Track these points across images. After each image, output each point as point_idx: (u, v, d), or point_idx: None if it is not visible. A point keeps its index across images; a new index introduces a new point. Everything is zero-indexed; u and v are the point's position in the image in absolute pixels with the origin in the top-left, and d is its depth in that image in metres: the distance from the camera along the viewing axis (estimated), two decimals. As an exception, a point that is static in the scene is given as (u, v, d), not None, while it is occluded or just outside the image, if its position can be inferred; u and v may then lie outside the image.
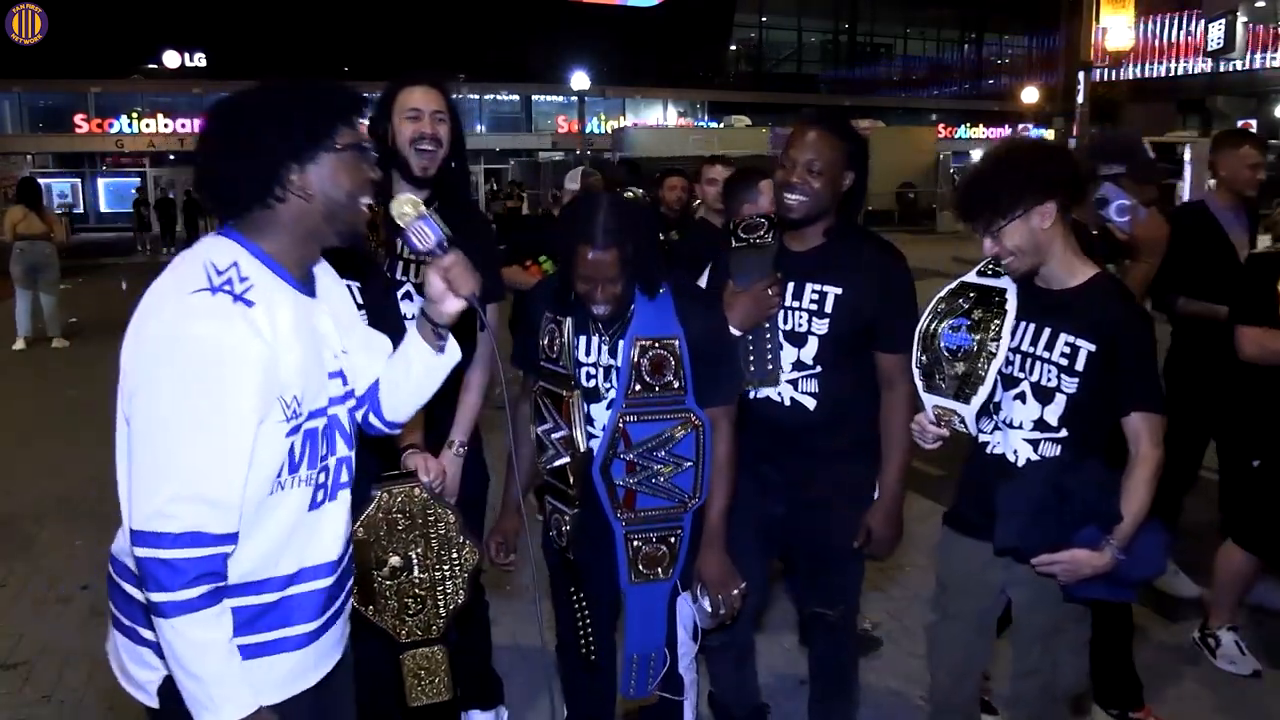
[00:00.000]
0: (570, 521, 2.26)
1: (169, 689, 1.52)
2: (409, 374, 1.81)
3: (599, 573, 2.31)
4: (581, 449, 2.20)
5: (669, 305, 2.26)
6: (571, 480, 2.22)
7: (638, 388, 2.21)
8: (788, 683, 3.24)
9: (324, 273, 1.75)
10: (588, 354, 2.28)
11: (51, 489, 5.41)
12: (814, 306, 2.44)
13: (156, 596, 1.42)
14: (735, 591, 2.34)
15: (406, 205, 1.74)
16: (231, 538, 1.47)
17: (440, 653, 2.04)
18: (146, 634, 1.55)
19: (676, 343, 2.23)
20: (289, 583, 1.61)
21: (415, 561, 1.97)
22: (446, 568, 2.01)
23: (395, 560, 1.95)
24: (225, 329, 1.45)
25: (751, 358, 2.47)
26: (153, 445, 1.43)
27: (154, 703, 1.58)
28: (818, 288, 2.44)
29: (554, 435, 2.25)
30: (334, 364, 1.69)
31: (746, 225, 2.59)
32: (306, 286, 1.65)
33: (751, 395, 2.52)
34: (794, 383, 2.48)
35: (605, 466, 2.22)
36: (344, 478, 1.71)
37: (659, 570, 2.29)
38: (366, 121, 1.63)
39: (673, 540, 2.29)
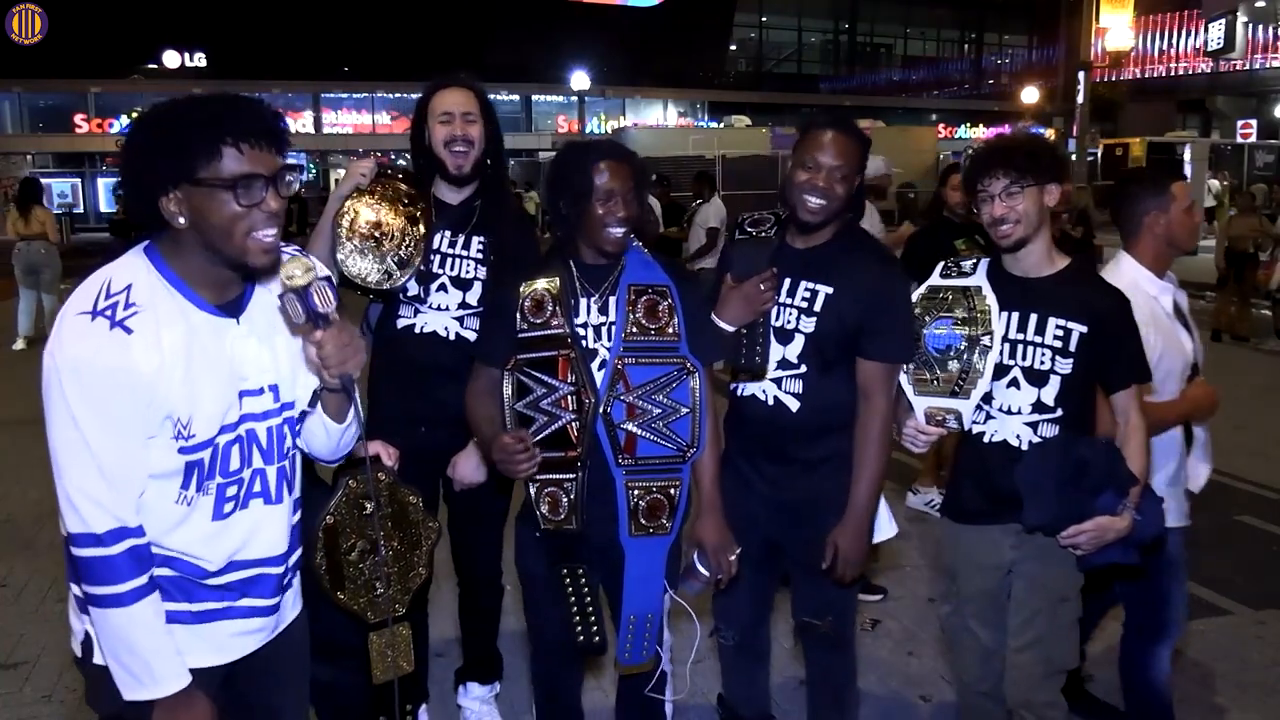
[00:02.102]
0: (574, 488, 2.25)
1: (87, 643, 1.70)
2: (316, 421, 1.87)
3: (600, 533, 2.28)
4: (590, 397, 2.22)
5: (657, 263, 2.39)
6: (575, 438, 2.23)
7: (634, 330, 2.26)
8: (788, 683, 3.24)
9: (263, 303, 1.76)
10: (577, 314, 2.30)
11: (51, 489, 5.39)
12: (804, 304, 2.43)
13: (90, 589, 1.60)
14: (732, 556, 2.37)
15: (295, 269, 1.60)
16: (134, 531, 1.61)
17: (405, 629, 2.11)
18: (74, 589, 1.69)
19: (669, 291, 2.32)
20: (223, 572, 1.74)
21: (381, 544, 2.05)
22: (410, 547, 2.11)
23: (362, 544, 2.04)
24: (96, 352, 1.55)
25: (743, 349, 2.45)
26: (55, 457, 1.61)
27: (78, 652, 1.73)
28: (811, 285, 2.43)
29: (546, 402, 2.25)
30: (256, 381, 1.73)
31: (753, 220, 2.60)
32: (223, 308, 1.68)
33: (739, 393, 2.53)
34: (778, 381, 2.46)
35: (605, 409, 2.23)
36: (257, 488, 1.77)
37: (660, 522, 2.29)
38: (245, 146, 1.56)
39: (673, 492, 2.30)
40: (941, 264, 2.47)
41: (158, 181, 1.57)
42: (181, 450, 1.64)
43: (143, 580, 1.61)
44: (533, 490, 2.29)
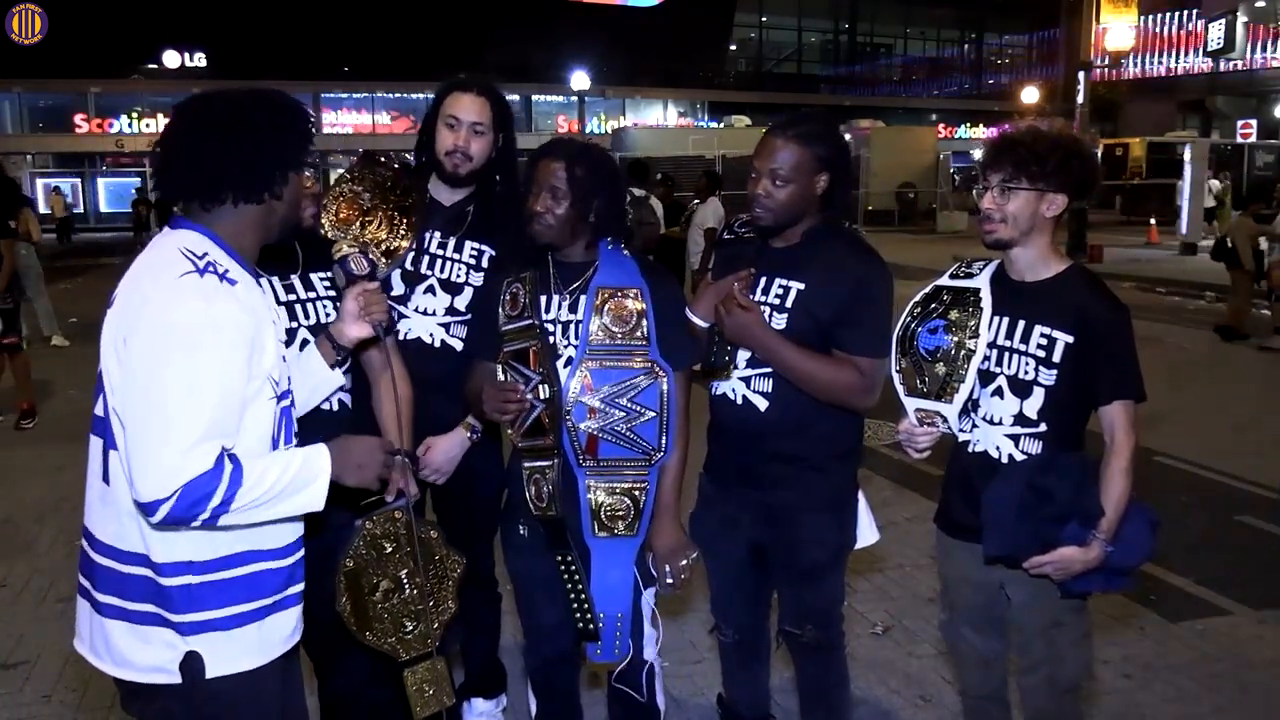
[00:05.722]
0: (552, 474, 2.27)
1: (190, 663, 1.64)
2: (303, 384, 1.99)
3: (570, 530, 2.32)
4: (555, 387, 2.23)
5: (633, 265, 2.38)
6: (547, 425, 2.24)
7: (600, 335, 2.28)
8: (786, 684, 3.23)
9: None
10: (547, 310, 2.33)
11: (51, 489, 5.41)
12: (777, 301, 2.41)
13: (207, 517, 1.55)
14: (685, 561, 2.37)
15: (342, 245, 2.13)
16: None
17: (440, 662, 2.09)
18: (165, 614, 1.64)
19: (639, 292, 2.31)
20: (287, 553, 1.77)
21: (405, 581, 2.05)
22: (435, 582, 2.09)
23: (386, 584, 2.04)
24: (213, 305, 1.59)
25: (713, 347, 2.44)
26: (151, 415, 1.54)
27: (175, 679, 1.65)
28: (784, 282, 2.40)
29: (525, 391, 2.26)
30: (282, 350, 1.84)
31: (741, 223, 2.61)
32: (257, 275, 1.80)
33: (713, 392, 2.53)
34: (747, 380, 2.43)
35: (567, 412, 2.25)
36: None
37: (621, 525, 2.30)
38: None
39: (638, 494, 2.30)
40: (954, 265, 2.42)
41: (290, 160, 1.73)
42: (275, 398, 1.72)
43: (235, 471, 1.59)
44: (525, 474, 2.32)
